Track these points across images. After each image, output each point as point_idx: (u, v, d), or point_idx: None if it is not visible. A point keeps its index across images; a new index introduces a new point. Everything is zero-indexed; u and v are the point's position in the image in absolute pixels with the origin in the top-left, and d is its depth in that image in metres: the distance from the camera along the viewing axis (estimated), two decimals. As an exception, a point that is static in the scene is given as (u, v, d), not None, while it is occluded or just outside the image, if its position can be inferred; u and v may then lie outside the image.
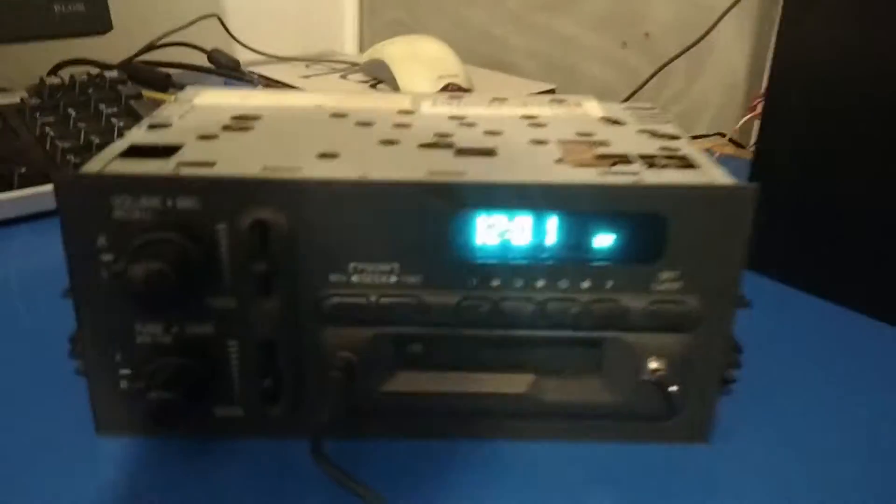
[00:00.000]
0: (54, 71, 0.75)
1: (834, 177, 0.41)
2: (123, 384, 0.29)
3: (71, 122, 0.55)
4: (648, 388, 0.29)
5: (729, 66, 0.73)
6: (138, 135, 0.31)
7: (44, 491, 0.27)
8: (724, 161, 0.62)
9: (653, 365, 0.28)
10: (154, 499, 0.27)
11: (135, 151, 0.29)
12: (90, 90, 0.59)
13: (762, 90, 0.67)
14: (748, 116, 0.62)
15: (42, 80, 0.60)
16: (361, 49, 1.07)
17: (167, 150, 0.29)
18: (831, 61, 0.40)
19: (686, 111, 0.77)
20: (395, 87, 0.74)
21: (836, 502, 0.28)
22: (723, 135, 0.68)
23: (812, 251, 0.42)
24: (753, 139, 0.67)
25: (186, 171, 0.27)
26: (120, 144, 0.29)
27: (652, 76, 0.69)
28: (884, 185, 0.38)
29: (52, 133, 0.53)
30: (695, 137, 0.70)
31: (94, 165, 0.27)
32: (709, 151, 0.64)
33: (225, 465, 0.29)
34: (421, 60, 0.74)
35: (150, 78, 0.74)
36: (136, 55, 0.79)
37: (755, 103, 0.63)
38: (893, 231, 0.39)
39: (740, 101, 0.73)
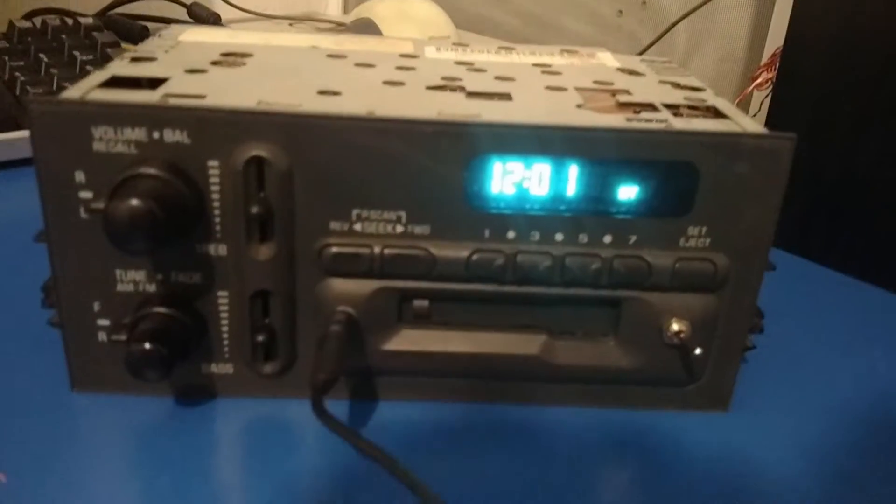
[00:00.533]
0: (27, 18, 0.71)
1: (851, 144, 0.39)
2: (102, 336, 0.26)
3: (42, 67, 0.52)
4: (669, 351, 0.27)
5: (729, 37, 0.71)
6: (120, 66, 0.28)
7: (14, 454, 0.25)
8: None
9: (675, 327, 0.26)
10: (134, 461, 0.25)
11: (117, 82, 0.26)
12: (63, 36, 0.56)
13: (762, 62, 0.65)
14: (750, 87, 0.61)
15: (12, 23, 0.57)
16: (346, 10, 1.04)
17: (153, 83, 0.26)
18: (844, 30, 0.38)
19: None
20: (384, 48, 0.71)
21: (855, 474, 0.26)
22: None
23: (827, 223, 0.40)
24: (753, 111, 0.65)
25: (176, 101, 0.24)
26: (100, 75, 0.27)
27: (652, 44, 0.67)
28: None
29: (22, 78, 0.50)
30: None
31: (73, 92, 0.24)
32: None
33: (213, 427, 0.27)
34: (411, 20, 0.71)
35: (126, 30, 0.70)
36: (112, 6, 0.76)
37: (757, 73, 0.61)
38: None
39: (740, 72, 0.71)
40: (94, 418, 0.27)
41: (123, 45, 0.62)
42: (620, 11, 0.78)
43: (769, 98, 0.55)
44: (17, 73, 0.50)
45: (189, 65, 0.29)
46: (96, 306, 0.26)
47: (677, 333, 0.26)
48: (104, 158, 0.24)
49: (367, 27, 0.74)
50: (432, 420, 0.27)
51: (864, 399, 0.31)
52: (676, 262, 0.26)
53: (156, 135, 0.23)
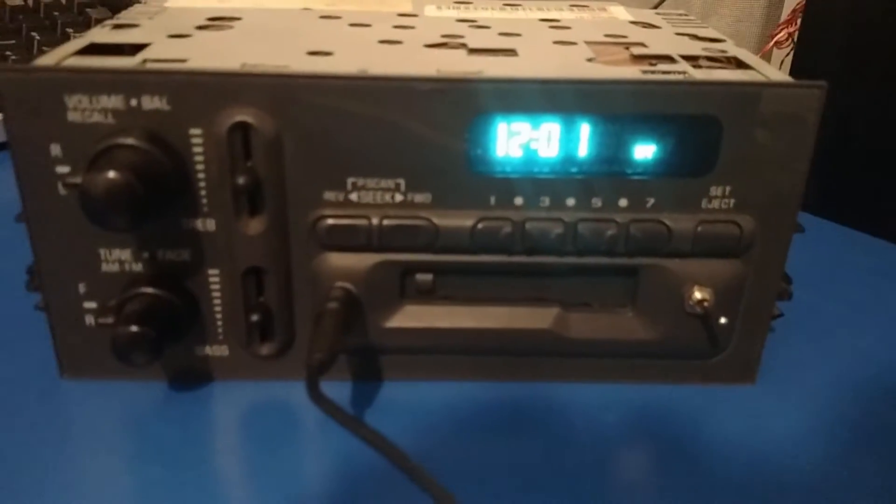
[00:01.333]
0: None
1: (882, 97, 0.37)
2: (89, 319, 0.25)
3: (35, 46, 0.50)
4: (691, 321, 0.25)
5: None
6: (100, 34, 0.26)
7: (1, 443, 0.23)
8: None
9: (698, 295, 0.24)
10: (127, 450, 0.23)
11: (95, 49, 0.24)
12: (56, 14, 0.54)
13: (782, 19, 0.62)
14: (770, 44, 0.58)
15: (3, 1, 0.55)
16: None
17: (133, 49, 0.24)
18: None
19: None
20: None
21: (886, 446, 0.25)
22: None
23: (858, 183, 0.38)
24: (792, 62, 0.63)
25: (154, 66, 0.22)
26: (77, 42, 0.25)
27: (662, 1, 0.64)
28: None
29: (13, 57, 0.48)
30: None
31: (46, 60, 0.23)
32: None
33: (209, 412, 0.25)
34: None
35: (119, 4, 0.69)
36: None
37: (776, 31, 0.59)
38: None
39: (758, 32, 0.69)
40: (84, 405, 0.25)
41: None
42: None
43: (790, 57, 0.52)
44: (7, 52, 0.49)
45: (173, 30, 0.27)
46: (82, 288, 0.25)
47: (700, 302, 0.24)
48: (80, 129, 0.22)
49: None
50: (438, 401, 0.26)
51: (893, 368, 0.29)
52: (698, 226, 0.24)
53: (133, 102, 0.22)
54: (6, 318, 0.28)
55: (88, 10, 0.55)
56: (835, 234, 0.39)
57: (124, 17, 0.29)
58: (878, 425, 0.26)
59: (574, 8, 0.33)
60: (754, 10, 0.69)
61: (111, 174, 0.20)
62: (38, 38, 0.51)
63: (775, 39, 0.57)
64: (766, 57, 0.61)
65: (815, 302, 0.32)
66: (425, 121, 0.23)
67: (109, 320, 0.24)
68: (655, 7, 0.62)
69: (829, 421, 0.26)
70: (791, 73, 0.41)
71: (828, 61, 0.38)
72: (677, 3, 0.65)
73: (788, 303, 0.28)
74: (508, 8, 0.33)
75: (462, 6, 0.33)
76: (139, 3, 0.69)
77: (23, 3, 0.55)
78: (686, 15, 0.33)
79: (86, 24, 0.54)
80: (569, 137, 0.23)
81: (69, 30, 0.52)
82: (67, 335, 0.25)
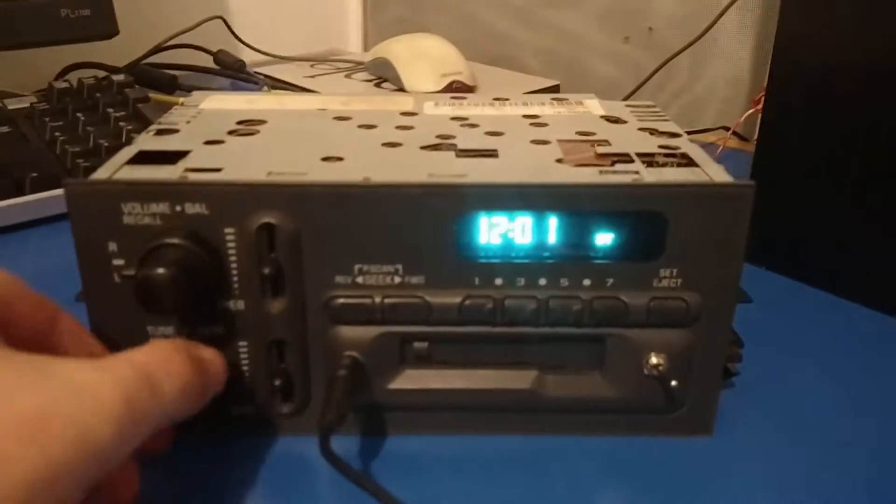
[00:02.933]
0: (62, 74, 0.75)
1: (834, 170, 0.41)
2: (136, 385, 0.29)
3: (80, 126, 0.56)
4: (650, 382, 0.29)
5: (733, 59, 0.73)
6: (146, 140, 0.31)
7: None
8: (728, 154, 0.63)
9: (654, 360, 0.29)
10: (165, 496, 0.28)
11: (143, 157, 0.29)
12: (98, 94, 0.60)
13: (765, 84, 0.67)
14: (752, 110, 0.62)
15: (51, 85, 0.61)
16: (366, 46, 1.08)
17: (175, 156, 0.29)
18: (829, 56, 0.40)
19: (690, 104, 0.77)
20: (399, 86, 0.74)
21: (838, 492, 0.28)
22: (727, 128, 0.68)
23: (814, 244, 0.42)
24: (758, 132, 0.67)
25: (194, 177, 0.27)
26: (128, 150, 0.30)
27: (655, 71, 0.69)
28: (884, 180, 0.39)
29: (61, 137, 0.54)
30: (699, 131, 0.70)
31: (103, 172, 0.28)
32: (713, 145, 0.64)
33: (233, 462, 0.29)
34: (425, 58, 0.74)
35: (156, 80, 0.75)
36: (143, 57, 0.80)
37: (759, 97, 0.63)
38: (894, 225, 0.39)
39: (745, 94, 0.73)
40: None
41: (153, 95, 0.66)
42: (628, 38, 0.81)
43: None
44: (57, 133, 0.54)
45: (208, 135, 0.32)
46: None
47: (656, 366, 0.29)
48: (133, 230, 0.27)
49: (382, 67, 0.78)
50: (435, 451, 0.30)
51: (848, 418, 0.32)
52: (651, 302, 0.28)
53: (178, 208, 0.27)
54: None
55: (127, 90, 0.61)
56: (797, 293, 0.43)
57: (165, 120, 0.34)
58: (825, 470, 0.29)
59: (554, 102, 0.38)
60: (741, 73, 0.73)
61: (160, 270, 0.25)
62: (82, 118, 0.56)
63: (757, 107, 0.61)
64: (753, 119, 0.66)
65: (771, 360, 0.35)
66: (419, 217, 0.27)
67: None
68: (629, 96, 0.67)
69: (779, 467, 0.30)
70: (758, 138, 0.46)
71: (791, 127, 0.42)
72: (668, 69, 0.70)
73: (749, 359, 0.32)
74: (497, 103, 0.38)
75: (457, 102, 0.38)
76: (174, 75, 0.74)
77: (68, 85, 0.61)
78: (652, 106, 0.38)
79: (125, 104, 0.59)
80: (540, 229, 0.28)
81: (110, 110, 0.58)
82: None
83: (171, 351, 0.25)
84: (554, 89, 0.78)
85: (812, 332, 0.39)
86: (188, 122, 0.34)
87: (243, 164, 0.29)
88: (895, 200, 0.38)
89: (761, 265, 0.44)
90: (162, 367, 0.24)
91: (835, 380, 0.35)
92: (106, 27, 0.64)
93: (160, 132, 0.33)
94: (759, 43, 0.71)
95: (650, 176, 0.28)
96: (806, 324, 0.40)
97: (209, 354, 0.27)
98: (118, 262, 0.27)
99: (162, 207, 0.27)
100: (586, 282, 0.28)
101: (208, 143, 0.31)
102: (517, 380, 0.30)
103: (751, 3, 0.69)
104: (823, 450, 0.31)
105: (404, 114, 0.36)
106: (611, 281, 0.28)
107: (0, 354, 0.21)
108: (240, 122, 0.34)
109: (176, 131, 0.33)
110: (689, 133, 0.59)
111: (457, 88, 0.72)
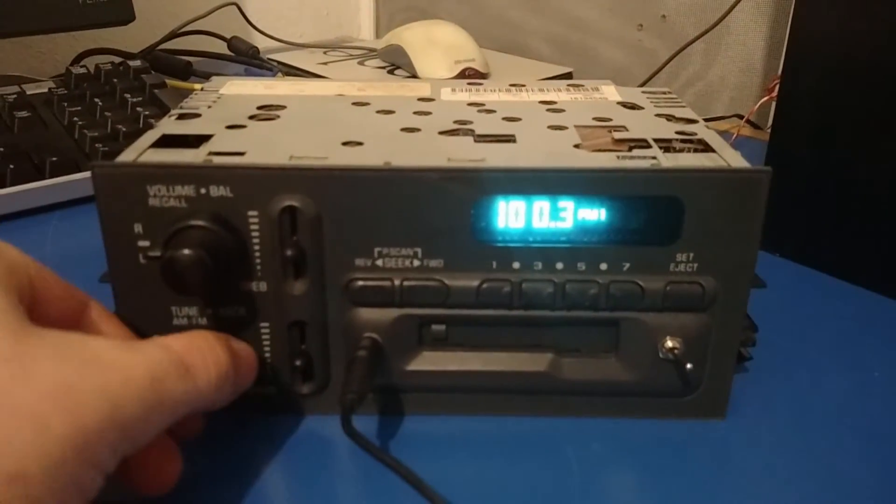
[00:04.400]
0: (79, 60, 0.76)
1: (847, 158, 0.41)
2: (160, 364, 0.30)
3: (98, 111, 0.56)
4: (666, 366, 0.30)
5: (746, 47, 0.73)
6: (169, 124, 0.32)
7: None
8: (741, 142, 0.63)
9: (669, 343, 0.29)
10: (187, 474, 0.28)
11: (167, 141, 0.30)
12: (115, 80, 0.60)
13: (780, 71, 0.67)
14: (766, 98, 0.63)
15: (68, 70, 0.61)
16: (378, 34, 1.08)
17: (198, 140, 0.30)
18: (843, 45, 0.40)
19: (704, 93, 0.77)
20: (412, 73, 0.75)
21: (848, 478, 0.29)
22: (741, 116, 0.68)
23: (827, 231, 0.43)
24: (771, 121, 0.67)
25: (218, 161, 0.28)
26: (152, 134, 0.30)
27: (669, 59, 0.69)
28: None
29: (80, 122, 0.54)
30: (713, 119, 0.70)
31: (129, 155, 0.28)
32: (727, 133, 0.64)
33: (256, 440, 0.30)
34: (438, 45, 0.74)
35: (171, 66, 0.75)
36: (158, 43, 0.81)
37: (772, 85, 0.63)
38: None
39: (758, 82, 0.73)
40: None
41: (169, 81, 0.67)
42: (641, 25, 0.80)
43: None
44: (75, 118, 0.55)
45: (229, 120, 0.32)
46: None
47: (671, 350, 0.29)
48: (159, 212, 0.27)
49: (395, 54, 0.78)
50: (452, 431, 0.31)
51: (857, 403, 0.33)
52: (667, 286, 0.28)
53: (202, 190, 0.27)
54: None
55: (143, 76, 0.61)
56: (810, 279, 0.43)
57: (187, 105, 0.35)
58: (838, 456, 0.30)
59: (570, 88, 0.38)
60: (754, 61, 0.73)
61: (186, 251, 0.26)
62: (100, 103, 0.57)
63: (770, 95, 0.61)
64: (766, 107, 0.66)
65: (784, 345, 0.36)
66: (438, 201, 0.28)
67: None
68: (643, 84, 0.67)
69: (790, 451, 0.30)
70: (772, 126, 0.46)
71: (805, 116, 0.43)
72: (682, 57, 0.70)
73: (761, 344, 0.32)
74: (514, 89, 0.38)
75: (473, 88, 0.38)
76: (189, 62, 0.75)
77: (86, 71, 0.61)
78: (668, 92, 0.38)
79: (141, 89, 0.60)
80: (557, 213, 0.28)
81: (127, 95, 0.58)
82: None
83: (210, 341, 0.25)
84: (567, 76, 0.78)
85: (825, 320, 0.39)
86: (209, 107, 0.34)
87: (265, 148, 0.29)
88: (909, 188, 0.39)
89: (775, 252, 0.44)
90: (198, 355, 0.25)
91: (847, 366, 0.35)
92: (123, 13, 0.64)
93: (182, 116, 0.33)
94: (772, 31, 0.71)
95: (667, 161, 0.28)
96: (819, 310, 0.40)
97: (244, 349, 0.28)
98: (143, 243, 0.28)
99: (187, 190, 0.27)
100: (603, 266, 0.29)
101: (230, 127, 0.31)
102: (533, 362, 0.30)
103: (765, -9, 0.69)
104: (834, 435, 0.31)
105: (421, 99, 0.36)
106: (627, 265, 0.28)
107: (32, 331, 0.22)
108: (260, 108, 0.34)
109: (198, 115, 0.33)
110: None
111: (470, 75, 0.72)
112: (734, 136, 0.63)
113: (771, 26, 0.71)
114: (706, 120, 0.70)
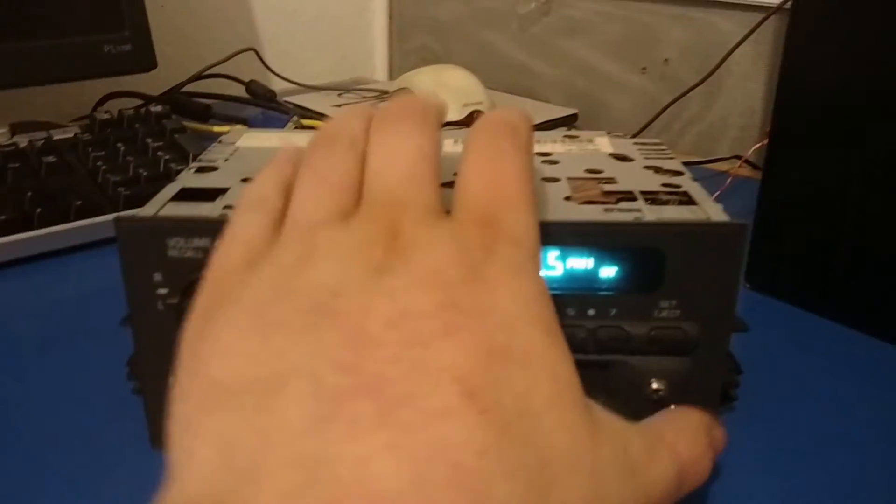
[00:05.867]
0: (101, 103, 0.79)
1: (839, 204, 0.43)
2: (176, 403, 0.32)
3: (120, 156, 0.59)
4: (652, 406, 0.31)
5: (746, 90, 0.75)
6: (188, 178, 0.34)
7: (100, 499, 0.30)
8: (740, 183, 0.64)
9: (654, 385, 0.31)
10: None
11: (185, 194, 0.32)
12: (137, 125, 0.63)
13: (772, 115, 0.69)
14: (765, 141, 0.64)
15: (93, 116, 0.64)
16: (391, 75, 1.11)
17: (215, 193, 0.32)
18: (832, 87, 0.42)
19: (704, 134, 0.79)
20: (422, 115, 0.77)
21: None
22: (740, 157, 0.70)
23: (816, 273, 0.44)
24: (763, 162, 0.69)
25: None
26: (172, 187, 0.33)
27: (669, 105, 0.71)
28: (885, 211, 0.41)
29: (103, 167, 0.57)
30: (714, 160, 0.72)
31: (150, 209, 0.30)
32: (726, 174, 0.66)
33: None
34: (447, 89, 0.77)
35: (191, 109, 0.79)
36: (179, 87, 0.84)
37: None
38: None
39: (758, 123, 0.75)
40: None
41: (188, 124, 0.70)
42: (644, 68, 0.83)
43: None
44: (99, 163, 0.57)
45: (245, 173, 0.34)
46: (172, 379, 0.32)
47: (656, 391, 0.31)
48: (177, 262, 0.29)
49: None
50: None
51: (847, 444, 0.34)
52: (652, 331, 0.30)
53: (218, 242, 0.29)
54: (111, 397, 0.36)
55: (164, 121, 0.64)
56: (803, 322, 0.44)
57: (205, 157, 0.37)
58: (825, 495, 0.31)
59: (566, 139, 0.41)
60: (755, 97, 0.75)
61: (202, 299, 0.28)
62: (122, 148, 0.60)
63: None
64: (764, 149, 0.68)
65: (772, 386, 0.37)
66: (436, 252, 0.29)
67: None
68: (646, 126, 0.69)
69: (779, 491, 0.31)
70: (764, 170, 0.47)
71: (795, 154, 0.45)
72: (681, 103, 0.72)
73: (749, 387, 0.34)
74: (512, 140, 0.40)
75: (474, 139, 0.40)
76: (208, 105, 0.78)
77: (109, 116, 0.64)
78: (659, 144, 0.40)
79: (162, 134, 0.63)
80: (546, 262, 0.30)
81: (148, 140, 0.61)
82: (158, 414, 0.32)
83: (703, 444, 0.25)
84: (572, 118, 0.80)
85: (814, 361, 0.41)
86: (226, 160, 0.37)
87: (276, 201, 0.31)
88: None
89: (765, 293, 0.46)
90: (694, 466, 0.24)
91: (834, 408, 0.37)
92: (146, 61, 0.67)
93: (200, 169, 0.35)
94: (772, 74, 0.73)
95: (650, 214, 0.30)
96: (808, 352, 0.41)
97: (720, 434, 0.27)
98: (162, 290, 0.30)
99: (203, 242, 0.29)
100: (591, 312, 0.30)
101: (245, 180, 0.34)
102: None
103: (763, 36, 0.71)
104: (822, 476, 0.32)
105: (425, 151, 0.38)
106: (614, 311, 0.30)
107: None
108: (273, 160, 0.37)
109: (215, 168, 0.35)
110: (703, 162, 0.61)
111: (478, 118, 0.75)
112: (731, 177, 0.64)
113: (770, 69, 0.73)
114: (707, 161, 0.73)
